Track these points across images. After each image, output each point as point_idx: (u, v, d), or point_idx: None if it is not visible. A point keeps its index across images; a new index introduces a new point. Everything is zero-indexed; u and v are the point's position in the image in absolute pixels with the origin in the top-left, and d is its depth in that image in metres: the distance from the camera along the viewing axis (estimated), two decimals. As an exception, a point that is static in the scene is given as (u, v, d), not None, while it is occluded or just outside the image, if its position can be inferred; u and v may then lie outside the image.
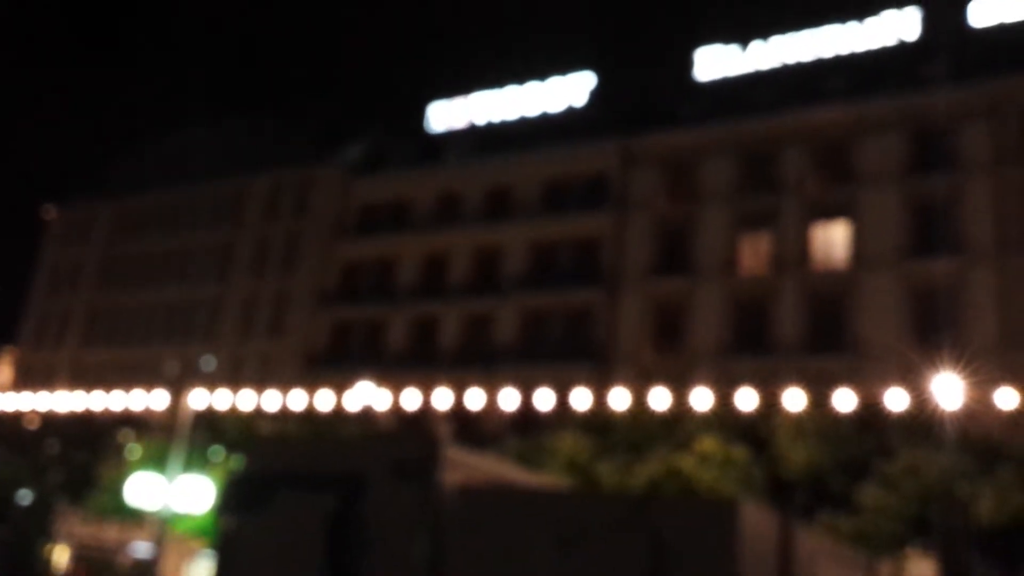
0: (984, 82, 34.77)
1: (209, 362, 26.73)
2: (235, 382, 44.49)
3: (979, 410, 27.56)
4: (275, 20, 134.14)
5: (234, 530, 8.48)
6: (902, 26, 39.35)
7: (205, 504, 21.55)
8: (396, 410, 38.75)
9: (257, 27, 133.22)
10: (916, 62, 37.68)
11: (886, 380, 30.35)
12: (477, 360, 40.43)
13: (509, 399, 32.66)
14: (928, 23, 39.06)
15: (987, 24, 37.39)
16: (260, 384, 43.43)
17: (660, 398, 25.09)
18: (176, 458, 22.25)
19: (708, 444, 21.18)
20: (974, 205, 33.53)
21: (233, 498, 8.68)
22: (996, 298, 32.06)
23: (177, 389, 31.18)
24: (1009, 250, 32.40)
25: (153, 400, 39.13)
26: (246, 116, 57.58)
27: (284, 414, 30.03)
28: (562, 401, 32.60)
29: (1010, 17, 37.06)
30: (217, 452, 27.27)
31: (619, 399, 26.21)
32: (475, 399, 33.86)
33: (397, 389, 38.55)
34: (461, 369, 40.73)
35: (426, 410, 38.59)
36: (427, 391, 37.76)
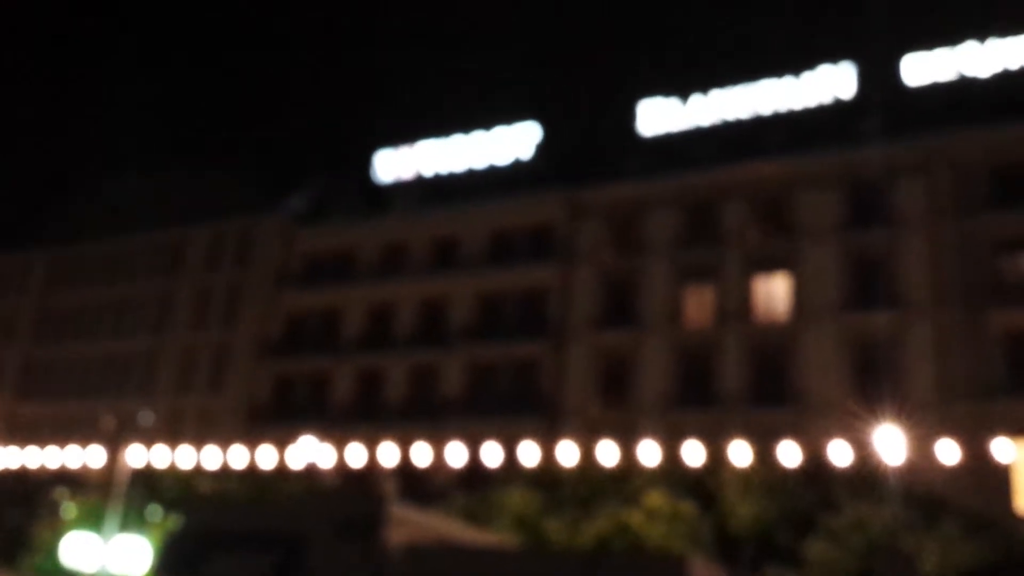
0: (918, 139, 35.98)
1: (147, 417, 26.12)
2: (174, 438, 43.49)
3: (921, 463, 28.08)
4: (218, 67, 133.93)
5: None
6: (838, 82, 40.58)
7: (143, 565, 20.87)
8: (341, 466, 38.18)
9: (199, 74, 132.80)
10: (852, 119, 38.86)
11: (829, 433, 30.75)
12: (423, 413, 40.14)
13: (456, 454, 32.42)
14: (863, 80, 40.38)
15: (920, 82, 38.76)
16: (200, 439, 42.51)
17: (608, 452, 25.14)
18: (113, 517, 21.57)
19: (656, 499, 21.18)
20: (910, 259, 34.45)
21: (171, 558, 8.45)
22: (933, 351, 32.82)
23: (113, 445, 30.39)
24: (945, 303, 33.27)
25: (89, 456, 38.06)
26: (187, 165, 57.22)
27: (225, 471, 29.37)
28: (510, 455, 32.45)
29: (942, 75, 38.48)
30: (155, 511, 26.49)
31: (567, 453, 26.18)
32: (421, 454, 33.55)
33: (342, 444, 38.01)
34: (407, 423, 40.38)
35: (371, 466, 38.11)
36: (372, 446, 37.30)
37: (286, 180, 51.85)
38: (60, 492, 30.35)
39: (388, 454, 34.01)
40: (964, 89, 37.61)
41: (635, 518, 20.82)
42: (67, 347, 53.73)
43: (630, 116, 44.06)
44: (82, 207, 59.53)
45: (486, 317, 41.65)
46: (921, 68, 39.03)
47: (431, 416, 39.77)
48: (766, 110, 41.35)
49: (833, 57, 40.79)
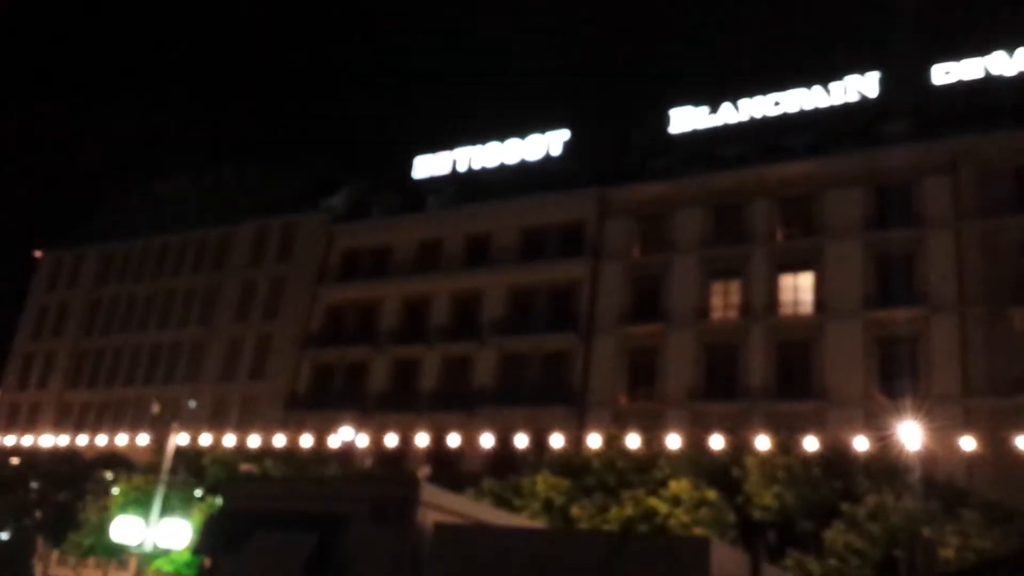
0: (943, 139, 35.45)
1: (191, 404, 26.40)
2: (218, 423, 44.10)
3: (942, 455, 27.74)
4: (264, 72, 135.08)
5: (213, 569, 8.30)
6: (864, 86, 40.20)
7: (185, 544, 21.14)
8: (376, 451, 38.47)
9: (246, 78, 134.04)
10: (878, 119, 38.41)
11: (851, 425, 30.60)
12: (456, 402, 40.28)
13: (487, 441, 32.53)
14: (889, 82, 39.92)
15: (947, 82, 38.23)
16: (243, 425, 43.09)
17: (634, 441, 25.06)
18: (158, 498, 21.85)
19: (681, 486, 21.07)
20: (934, 258, 33.98)
21: (212, 537, 8.50)
22: (956, 347, 32.36)
23: (160, 429, 30.76)
24: (968, 301, 32.79)
25: (136, 440, 38.63)
26: (233, 165, 57.77)
27: (266, 454, 29.66)
28: (539, 443, 32.49)
29: (967, 75, 37.93)
30: (199, 492, 26.82)
31: (594, 442, 26.14)
32: (454, 440, 33.71)
33: (377, 431, 38.35)
34: (440, 411, 40.55)
35: (406, 451, 38.34)
36: (407, 432, 37.57)
37: (327, 181, 52.29)
38: (107, 474, 30.81)
39: (422, 439, 34.16)
40: (989, 90, 37.01)
41: (660, 504, 20.72)
42: (116, 337, 54.53)
43: (661, 122, 44.00)
44: (132, 205, 60.45)
45: (517, 311, 41.68)
46: (947, 68, 38.51)
47: (463, 405, 39.90)
48: (793, 111, 41.05)
49: (860, 68, 40.41)
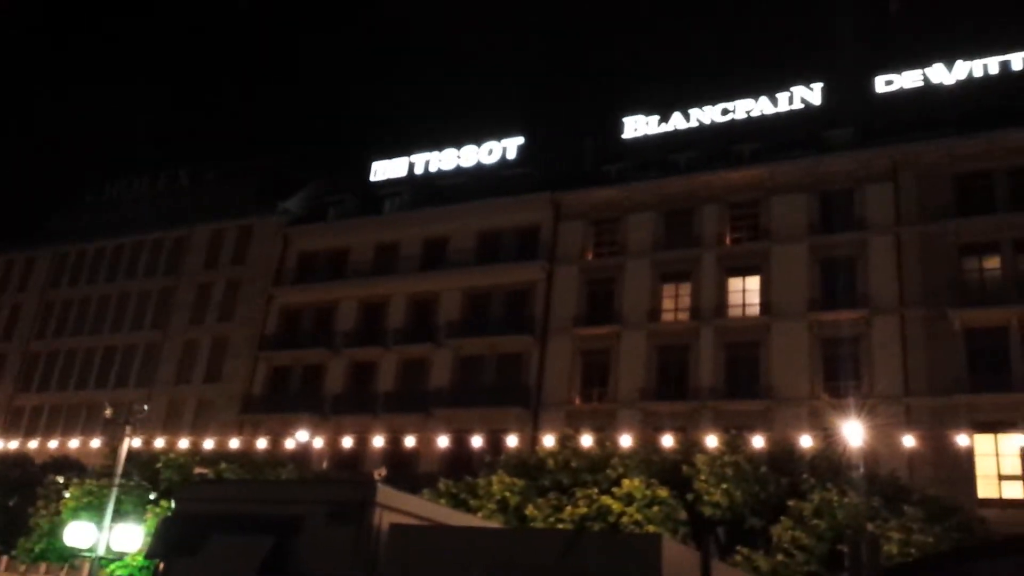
0: (885, 147, 36.19)
1: (144, 408, 25.93)
2: (172, 427, 43.38)
3: (884, 452, 28.29)
4: (220, 74, 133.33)
5: (167, 573, 8.14)
6: (809, 96, 40.96)
7: (139, 548, 20.75)
8: (333, 452, 38.16)
9: (202, 80, 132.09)
10: (822, 128, 39.12)
11: (797, 423, 31.11)
12: (412, 403, 40.12)
13: (443, 441, 32.45)
14: (834, 91, 40.71)
15: (888, 91, 39.10)
16: (197, 428, 42.44)
17: (587, 441, 25.17)
18: (111, 502, 21.41)
19: (633, 485, 21.21)
20: (876, 261, 34.66)
21: (166, 541, 8.34)
22: (897, 347, 33.03)
23: (113, 433, 30.15)
24: (908, 303, 33.49)
25: (89, 444, 37.84)
26: (189, 167, 56.92)
27: (221, 457, 29.21)
28: (494, 444, 32.49)
29: (909, 85, 38.82)
30: (153, 496, 26.32)
31: (549, 442, 26.20)
32: (410, 441, 33.57)
33: (334, 432, 38.05)
34: (397, 412, 40.38)
35: (362, 452, 38.08)
36: (363, 434, 37.32)
37: (285, 185, 51.76)
38: (59, 478, 30.09)
39: (378, 442, 33.97)
40: (929, 99, 37.91)
41: (613, 502, 20.83)
42: (69, 340, 53.35)
43: (613, 127, 44.46)
44: (86, 207, 59.25)
45: (473, 313, 41.66)
46: (889, 77, 39.39)
47: (419, 406, 39.77)
48: (740, 119, 41.71)
49: (806, 78, 41.18)
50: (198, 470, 25.97)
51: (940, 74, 38.55)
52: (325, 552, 7.22)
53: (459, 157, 47.82)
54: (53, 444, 42.44)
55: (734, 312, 36.57)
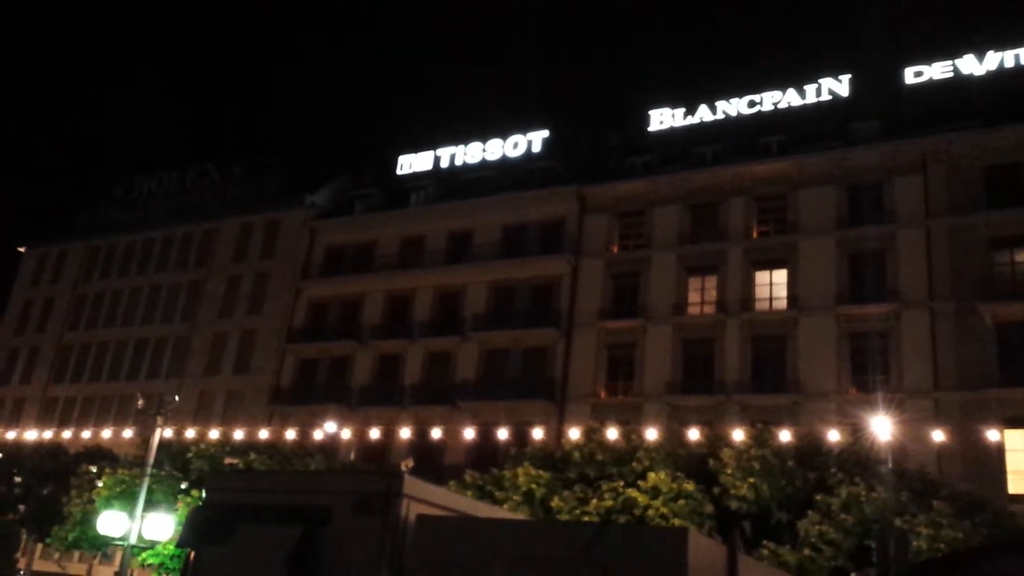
0: (914, 139, 35.70)
1: (175, 400, 26.19)
2: (202, 418, 43.85)
3: (913, 447, 28.00)
4: (250, 69, 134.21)
5: (197, 562, 8.22)
6: (837, 88, 40.49)
7: (169, 537, 21.01)
8: (360, 443, 38.40)
9: (232, 76, 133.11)
10: (850, 120, 38.66)
11: (825, 418, 30.84)
12: (438, 396, 40.25)
13: (469, 433, 32.54)
14: (862, 83, 40.20)
15: (918, 82, 38.54)
16: (227, 419, 42.86)
17: (613, 434, 25.12)
18: (143, 492, 21.68)
19: (659, 478, 21.14)
20: (905, 255, 34.23)
21: (196, 530, 8.39)
22: (926, 342, 32.63)
23: (144, 424, 30.52)
24: (938, 297, 33.06)
25: (121, 434, 38.33)
26: (217, 161, 57.36)
27: (250, 448, 29.49)
28: (520, 436, 32.52)
29: (939, 76, 38.25)
30: (183, 486, 26.64)
31: (574, 434, 26.18)
32: (436, 433, 33.70)
33: (361, 423, 38.28)
34: (423, 404, 40.54)
35: (389, 443, 38.28)
36: (390, 425, 37.51)
37: (312, 179, 52.08)
38: (92, 468, 30.53)
39: (404, 433, 34.10)
40: (959, 91, 37.32)
41: (639, 495, 20.78)
42: (101, 332, 54.05)
43: (638, 120, 44.22)
44: (116, 201, 59.90)
45: (498, 306, 41.68)
46: (919, 69, 38.84)
47: (445, 399, 39.89)
48: (767, 112, 41.33)
49: (834, 70, 40.73)
50: (228, 460, 26.26)
51: (970, 65, 37.94)
52: (352, 542, 7.24)
53: (484, 151, 47.83)
54: (86, 434, 43.01)
55: (761, 306, 36.29)
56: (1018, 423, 30.03)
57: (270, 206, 51.04)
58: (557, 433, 32.77)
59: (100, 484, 28.03)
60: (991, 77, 37.28)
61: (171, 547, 23.49)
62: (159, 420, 23.24)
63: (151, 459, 23.07)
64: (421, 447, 37.20)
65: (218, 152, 63.82)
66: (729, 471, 21.33)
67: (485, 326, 41.21)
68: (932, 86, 38.25)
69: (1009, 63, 37.29)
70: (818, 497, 20.32)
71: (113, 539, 21.56)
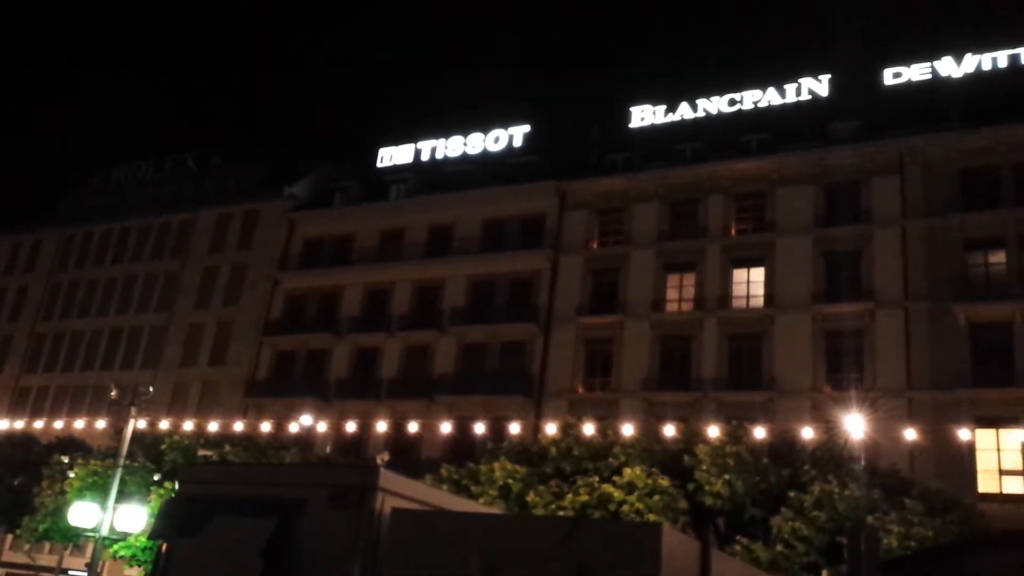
0: (892, 139, 36.02)
1: (149, 391, 26.01)
2: (177, 409, 43.54)
3: (886, 445, 28.31)
4: (229, 59, 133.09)
5: (170, 554, 8.17)
6: (816, 87, 40.76)
7: (142, 528, 20.86)
8: (336, 437, 38.29)
9: (211, 66, 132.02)
10: (829, 120, 38.94)
11: (799, 415, 31.12)
12: (416, 389, 40.21)
13: (446, 427, 32.54)
14: (841, 83, 40.50)
15: (896, 83, 38.88)
16: (202, 411, 42.58)
17: (590, 429, 25.21)
18: (115, 483, 21.51)
19: (635, 474, 21.24)
20: (881, 254, 34.56)
21: (169, 522, 8.35)
22: (901, 341, 32.98)
23: (118, 415, 30.27)
24: (912, 297, 33.41)
25: (94, 425, 37.97)
26: (196, 152, 56.93)
27: (225, 440, 29.32)
28: (497, 430, 32.56)
29: (917, 78, 38.60)
30: (157, 477, 26.45)
31: (551, 430, 26.25)
32: (413, 427, 33.68)
33: (338, 417, 38.18)
34: (400, 398, 40.49)
35: (365, 437, 38.21)
36: (367, 419, 37.43)
37: (291, 170, 51.78)
38: (64, 458, 30.26)
39: (381, 427, 34.06)
40: (937, 92, 37.67)
41: (614, 491, 20.87)
42: (75, 322, 53.53)
43: (619, 116, 44.33)
44: (93, 191, 59.33)
45: (477, 300, 41.68)
46: (897, 70, 39.18)
47: (423, 392, 39.85)
48: (747, 110, 41.53)
49: (813, 69, 41.00)
50: (202, 452, 26.09)
51: (949, 67, 38.31)
52: (327, 535, 7.23)
53: (465, 144, 47.76)
54: (58, 425, 42.57)
55: (738, 303, 36.53)
56: (989, 423, 30.45)
57: (248, 197, 50.70)
58: (534, 428, 32.82)
59: (72, 475, 27.78)
60: (969, 79, 37.66)
61: (143, 539, 23.33)
62: (133, 411, 23.06)
63: (124, 450, 22.88)
64: (397, 441, 37.15)
65: (197, 143, 63.29)
66: (704, 467, 21.47)
67: (464, 320, 41.20)
68: (910, 87, 38.60)
69: (987, 66, 37.69)
70: (791, 494, 20.50)
71: (84, 531, 21.41)
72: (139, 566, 26.14)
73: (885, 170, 35.77)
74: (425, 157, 48.64)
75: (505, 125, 47.07)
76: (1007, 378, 30.72)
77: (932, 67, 38.60)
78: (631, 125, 43.84)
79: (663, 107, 43.43)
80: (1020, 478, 29.72)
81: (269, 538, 7.31)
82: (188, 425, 32.85)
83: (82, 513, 20.60)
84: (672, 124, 42.95)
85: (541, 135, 46.55)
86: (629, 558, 6.24)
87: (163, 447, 28.38)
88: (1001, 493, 29.53)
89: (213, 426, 32.79)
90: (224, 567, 7.55)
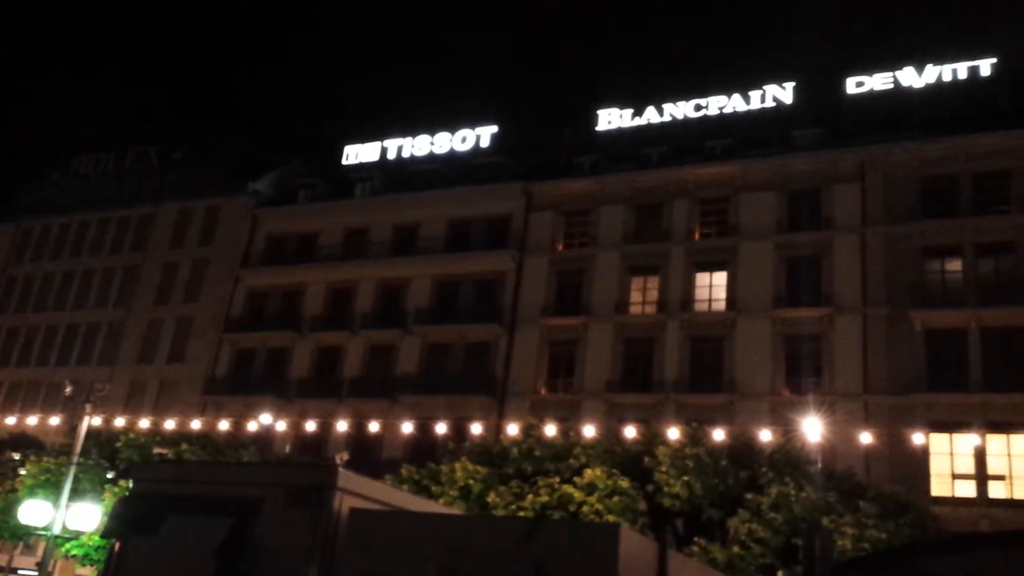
0: (853, 147, 36.55)
1: (105, 387, 25.61)
2: (134, 406, 42.91)
3: (842, 448, 28.71)
4: (196, 53, 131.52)
5: (123, 553, 8.04)
6: (781, 95, 41.25)
7: (95, 527, 20.54)
8: (296, 436, 37.98)
9: (176, 59, 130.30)
10: (792, 127, 39.43)
11: (758, 418, 31.48)
12: (378, 389, 40.02)
13: (408, 427, 32.42)
14: (805, 91, 41.02)
15: (859, 92, 39.49)
16: (160, 409, 42.01)
17: (551, 430, 25.27)
18: (69, 480, 21.14)
19: (595, 475, 21.33)
20: (840, 260, 35.06)
21: (122, 520, 8.21)
22: (858, 346, 33.47)
23: (73, 411, 29.78)
24: (871, 302, 33.93)
25: (48, 421, 37.33)
26: (158, 146, 56.11)
27: (182, 438, 28.95)
28: (459, 431, 32.52)
29: (879, 87, 39.23)
30: (111, 475, 26.04)
31: (513, 430, 26.27)
32: (375, 427, 33.51)
33: (298, 416, 37.88)
34: (362, 397, 40.27)
35: (326, 436, 37.95)
36: (328, 418, 37.19)
37: (256, 166, 51.19)
38: (16, 455, 29.69)
39: (342, 426, 33.85)
40: (898, 102, 38.30)
41: (575, 492, 20.94)
42: (31, 316, 52.52)
43: (587, 119, 44.53)
44: (52, 183, 58.21)
45: (442, 300, 41.60)
46: (860, 80, 39.77)
47: (385, 392, 39.67)
48: (713, 116, 41.92)
49: (778, 77, 41.47)
50: (158, 450, 25.76)
51: (910, 77, 38.96)
52: (284, 535, 7.16)
53: (432, 144, 47.66)
54: (11, 420, 41.80)
55: (700, 307, 36.84)
56: (943, 427, 31.02)
57: (211, 192, 50.09)
58: (496, 429, 32.82)
59: (24, 472, 27.26)
60: (930, 90, 38.33)
61: (96, 538, 22.96)
62: (88, 408, 22.69)
63: (78, 447, 22.51)
64: (359, 441, 36.95)
65: (160, 137, 62.28)
66: (664, 469, 21.62)
67: (428, 320, 41.09)
68: (873, 96, 39.20)
69: (947, 77, 38.38)
70: (749, 496, 20.71)
71: (36, 529, 21.04)
72: (91, 565, 25.72)
73: (846, 177, 36.29)
74: (392, 156, 48.46)
75: (472, 125, 47.09)
76: (961, 384, 31.31)
77: (894, 77, 39.24)
78: (598, 128, 44.06)
79: (630, 111, 43.71)
80: (972, 482, 30.31)
81: (224, 538, 7.23)
82: (144, 423, 32.40)
83: (33, 511, 20.24)
84: (639, 128, 43.21)
85: (508, 136, 46.59)
86: (587, 559, 6.27)
87: (118, 445, 27.95)
88: (954, 496, 30.09)
89: (170, 424, 32.39)
90: (178, 567, 7.45)
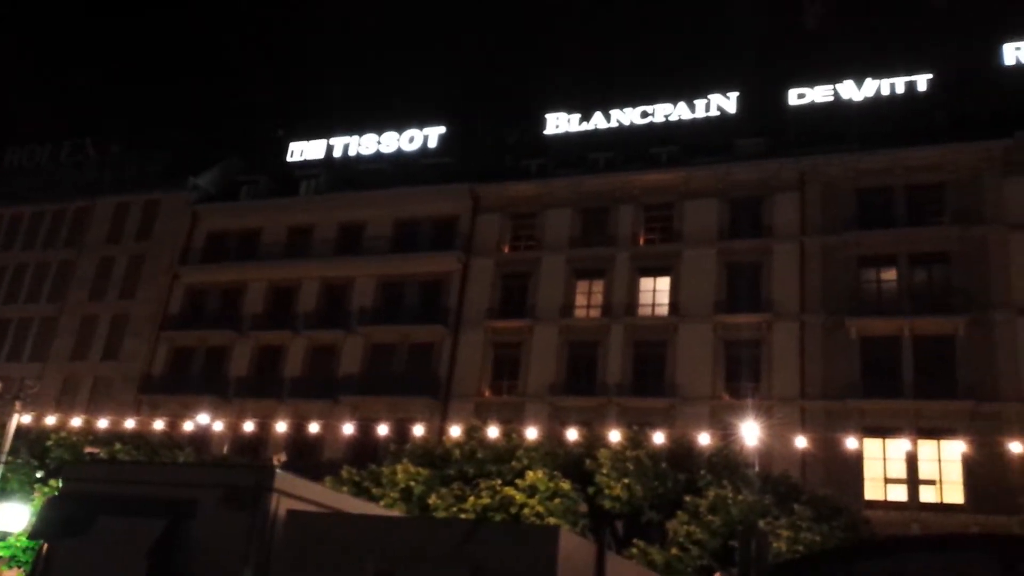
0: (794, 158, 37.31)
1: (36, 384, 24.94)
2: (66, 404, 41.76)
3: (779, 452, 29.24)
4: (136, 44, 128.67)
5: (51, 555, 7.84)
6: (725, 104, 41.96)
7: (23, 528, 19.96)
8: (234, 436, 37.37)
9: (116, 50, 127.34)
10: (735, 136, 40.12)
11: (698, 421, 31.91)
12: (320, 389, 39.60)
13: (349, 428, 32.14)
14: (748, 101, 41.80)
15: (800, 104, 40.39)
16: (93, 406, 40.96)
17: (494, 433, 25.28)
18: (-5, 480, 20.54)
19: (537, 477, 21.40)
20: (779, 268, 35.74)
21: (51, 521, 8.02)
22: (796, 352, 34.16)
23: (3, 408, 28.88)
24: (808, 309, 34.65)
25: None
26: (95, 138, 54.75)
27: (115, 438, 28.28)
28: (401, 432, 32.34)
29: (820, 99, 40.16)
30: (40, 475, 25.32)
31: (456, 432, 26.22)
32: (315, 428, 33.14)
33: (237, 416, 37.25)
34: (303, 398, 39.80)
35: (265, 437, 37.40)
36: (267, 418, 36.65)
37: (197, 161, 50.21)
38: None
39: (282, 427, 33.44)
40: (838, 114, 39.22)
41: (517, 494, 20.98)
42: (-41, 310, 50.76)
43: (535, 123, 44.76)
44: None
45: (386, 301, 41.34)
46: (802, 91, 40.67)
47: (327, 393, 39.28)
48: (659, 123, 42.48)
49: (723, 87, 42.17)
50: (89, 450, 25.09)
51: (850, 90, 39.94)
52: (218, 537, 7.07)
53: (379, 143, 47.38)
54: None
55: (644, 311, 37.22)
56: (876, 432, 31.82)
57: (150, 186, 49.03)
58: (439, 430, 32.72)
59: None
60: (868, 103, 39.35)
61: (24, 539, 22.30)
62: (17, 405, 22.04)
63: (7, 446, 21.84)
64: (299, 442, 36.51)
65: (97, 129, 60.83)
66: (605, 471, 21.78)
67: (372, 320, 40.79)
68: (814, 108, 40.11)
69: (885, 91, 39.46)
70: (687, 498, 20.97)
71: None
72: (19, 567, 24.94)
73: (787, 187, 37.01)
74: (338, 154, 48.04)
75: (420, 125, 46.95)
76: (894, 390, 32.14)
77: (834, 90, 40.19)
78: (546, 132, 44.30)
79: (578, 116, 44.05)
80: (904, 486, 31.13)
81: (157, 539, 7.11)
82: (77, 421, 31.55)
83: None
84: (586, 133, 43.56)
85: (456, 137, 46.55)
86: (526, 561, 6.30)
87: (49, 443, 27.19)
88: (886, 500, 30.88)
89: (103, 423, 31.58)
90: (108, 569, 7.30)
